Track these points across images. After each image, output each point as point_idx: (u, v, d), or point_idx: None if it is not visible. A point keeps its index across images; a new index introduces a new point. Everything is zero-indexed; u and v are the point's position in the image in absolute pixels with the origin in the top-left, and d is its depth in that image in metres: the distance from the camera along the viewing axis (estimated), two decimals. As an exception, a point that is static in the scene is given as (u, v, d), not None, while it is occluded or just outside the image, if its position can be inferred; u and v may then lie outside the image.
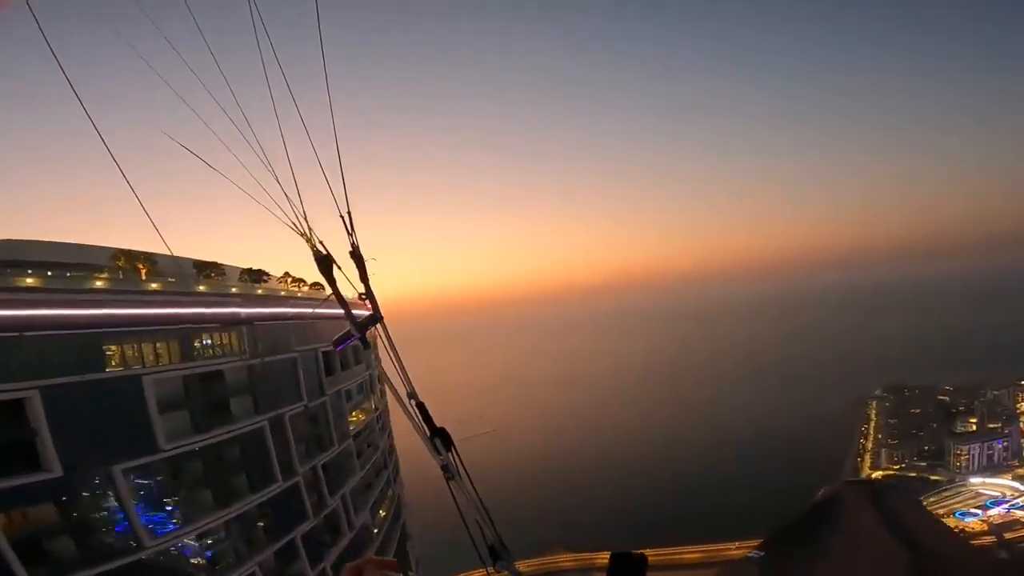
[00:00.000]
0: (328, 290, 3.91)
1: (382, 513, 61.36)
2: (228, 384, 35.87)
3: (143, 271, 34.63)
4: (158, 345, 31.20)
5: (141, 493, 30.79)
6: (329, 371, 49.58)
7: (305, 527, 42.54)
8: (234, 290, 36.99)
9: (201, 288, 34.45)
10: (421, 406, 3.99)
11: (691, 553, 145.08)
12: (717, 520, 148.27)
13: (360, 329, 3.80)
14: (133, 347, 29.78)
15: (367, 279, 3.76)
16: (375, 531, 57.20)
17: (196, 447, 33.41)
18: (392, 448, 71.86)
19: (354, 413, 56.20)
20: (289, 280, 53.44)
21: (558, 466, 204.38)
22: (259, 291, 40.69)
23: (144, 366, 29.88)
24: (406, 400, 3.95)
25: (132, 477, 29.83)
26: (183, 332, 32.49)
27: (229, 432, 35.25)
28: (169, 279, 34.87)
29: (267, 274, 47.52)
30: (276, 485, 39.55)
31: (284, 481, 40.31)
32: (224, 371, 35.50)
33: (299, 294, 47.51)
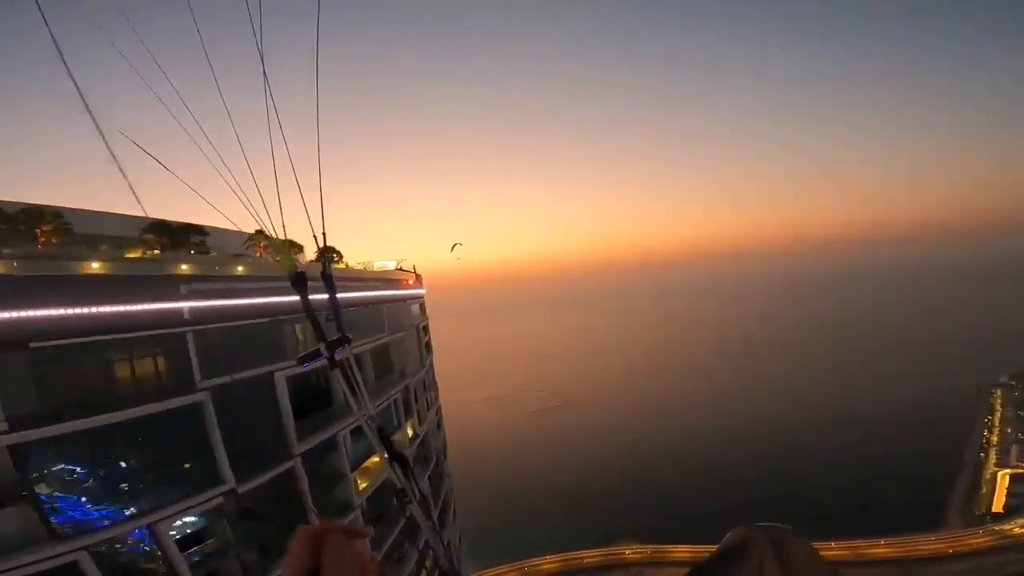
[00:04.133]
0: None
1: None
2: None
3: None
4: None
5: None
6: (320, 402, 25.79)
7: None
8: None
9: None
10: (380, 430, 3.53)
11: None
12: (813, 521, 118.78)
13: (330, 348, 3.26)
14: None
15: (336, 301, 3.31)
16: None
17: None
18: (446, 474, 48.41)
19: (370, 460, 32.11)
20: (262, 246, 29.20)
21: (630, 443, 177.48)
22: (97, 265, 16.52)
23: None
24: (365, 424, 3.45)
25: None
26: None
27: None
28: None
29: (202, 231, 23.63)
30: None
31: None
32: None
33: (241, 270, 22.92)
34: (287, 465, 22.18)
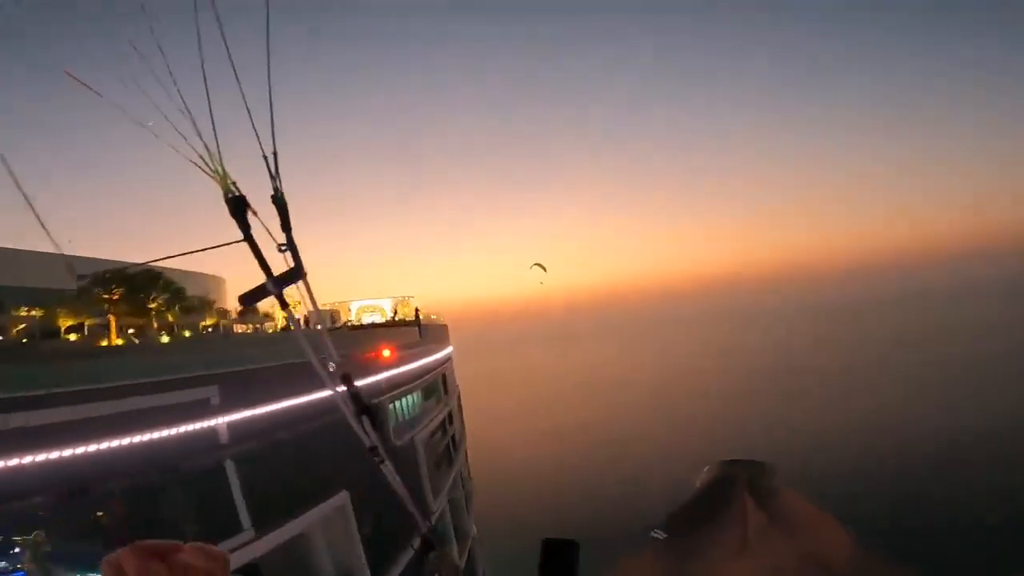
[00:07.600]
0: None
1: None
2: None
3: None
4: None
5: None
6: None
7: None
8: None
9: None
10: (347, 378, 2.79)
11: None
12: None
13: (278, 284, 2.50)
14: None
15: (289, 228, 2.54)
16: None
17: None
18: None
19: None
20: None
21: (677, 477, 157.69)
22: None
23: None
24: (324, 373, 2.70)
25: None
26: None
27: None
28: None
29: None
30: None
31: None
32: None
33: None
34: None
